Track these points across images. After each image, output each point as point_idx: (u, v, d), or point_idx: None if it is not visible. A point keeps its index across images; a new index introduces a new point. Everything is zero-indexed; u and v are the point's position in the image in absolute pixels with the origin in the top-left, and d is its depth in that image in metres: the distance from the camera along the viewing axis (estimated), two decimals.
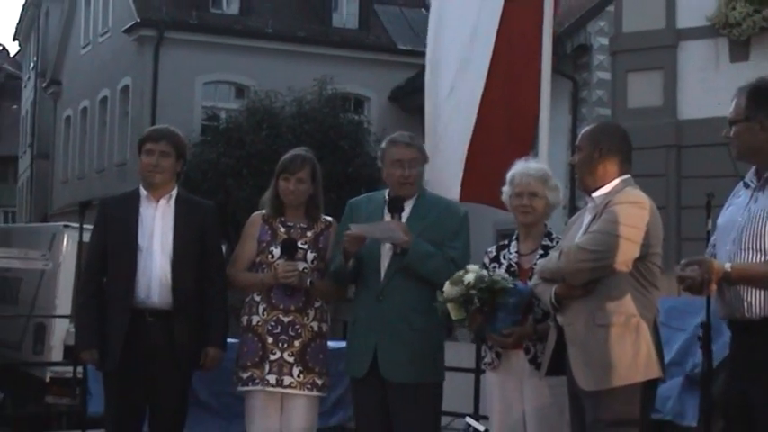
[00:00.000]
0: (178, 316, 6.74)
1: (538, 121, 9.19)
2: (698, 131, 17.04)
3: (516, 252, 6.52)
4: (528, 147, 9.10)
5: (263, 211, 6.91)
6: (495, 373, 6.48)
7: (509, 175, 6.55)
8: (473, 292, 6.09)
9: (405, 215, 6.61)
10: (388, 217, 6.61)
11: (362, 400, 6.69)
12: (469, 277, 6.12)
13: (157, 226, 6.80)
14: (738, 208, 5.43)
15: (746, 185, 5.48)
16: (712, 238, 5.63)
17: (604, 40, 21.55)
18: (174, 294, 6.74)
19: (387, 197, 6.74)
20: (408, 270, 6.49)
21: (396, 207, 6.59)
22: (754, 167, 5.47)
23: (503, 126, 9.08)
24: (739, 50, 17.50)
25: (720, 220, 5.55)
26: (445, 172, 8.66)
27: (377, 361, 6.53)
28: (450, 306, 6.16)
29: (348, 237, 6.50)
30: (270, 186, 6.92)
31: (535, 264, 6.20)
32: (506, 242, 6.65)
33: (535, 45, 9.44)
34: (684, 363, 8.32)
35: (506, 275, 6.31)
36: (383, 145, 6.83)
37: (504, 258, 6.55)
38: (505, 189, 6.55)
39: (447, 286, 6.16)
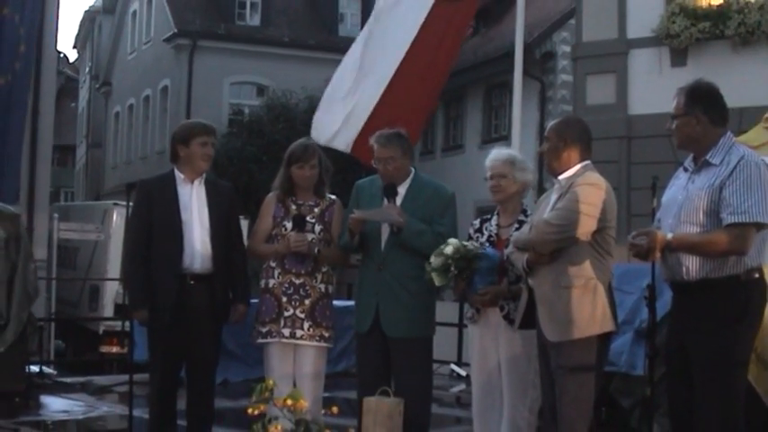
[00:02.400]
0: (216, 279, 6.73)
1: (428, 114, 9.34)
2: (645, 125, 17.06)
3: (496, 225, 6.51)
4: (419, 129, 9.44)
5: (278, 192, 6.88)
6: (475, 327, 6.48)
7: (486, 162, 6.54)
8: (450, 261, 6.11)
9: (399, 198, 6.57)
10: (385, 201, 6.57)
11: (365, 352, 6.67)
12: (448, 250, 6.13)
13: (194, 203, 6.78)
14: (678, 188, 5.45)
15: (685, 169, 5.50)
16: (658, 214, 5.64)
17: (567, 48, 21.57)
18: (212, 261, 6.72)
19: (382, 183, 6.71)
20: (404, 245, 6.48)
21: (390, 193, 6.56)
22: (692, 155, 5.47)
23: (403, 104, 9.16)
24: (679, 57, 17.54)
25: (664, 199, 5.57)
26: (345, 127, 9.07)
27: (379, 320, 6.52)
28: (433, 275, 6.18)
29: (351, 220, 6.49)
30: (280, 172, 6.88)
31: (511, 235, 6.19)
32: (489, 216, 6.63)
33: (452, 45, 9.47)
34: (634, 320, 8.33)
35: (477, 244, 6.32)
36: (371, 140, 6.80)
37: (485, 230, 6.54)
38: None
39: (432, 258, 6.18)
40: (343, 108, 9.24)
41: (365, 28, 9.85)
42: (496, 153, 6.54)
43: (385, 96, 9.15)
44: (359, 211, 6.51)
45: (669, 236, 5.22)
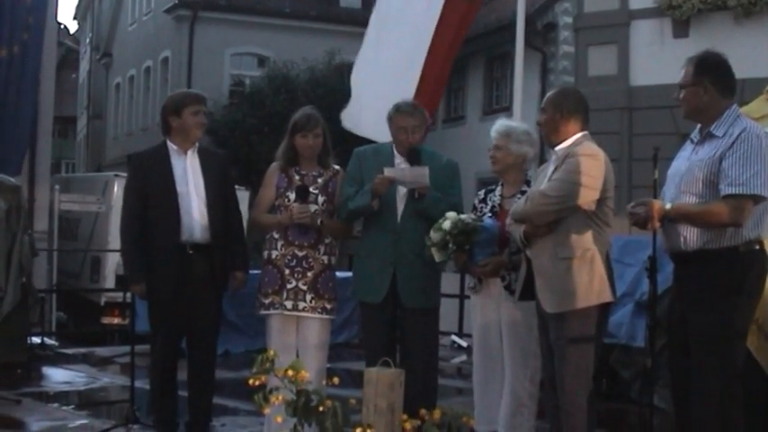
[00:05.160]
0: (214, 248, 6.73)
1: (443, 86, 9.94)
2: (646, 96, 17.08)
3: (500, 195, 6.52)
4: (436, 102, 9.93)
5: (280, 162, 6.86)
6: (477, 297, 6.49)
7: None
8: (448, 238, 6.10)
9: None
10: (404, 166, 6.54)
11: (374, 323, 6.64)
12: (446, 225, 6.13)
13: (190, 174, 6.78)
14: (683, 160, 5.48)
15: (691, 141, 5.51)
16: (663, 187, 5.63)
17: (569, 19, 21.46)
18: (210, 230, 6.73)
19: (394, 150, 6.67)
20: (422, 213, 6.45)
21: (415, 158, 6.51)
22: (698, 126, 5.48)
23: (432, 83, 9.50)
24: (681, 28, 17.50)
25: (669, 171, 5.58)
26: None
27: (395, 290, 6.50)
28: (433, 250, 6.18)
29: (380, 180, 6.42)
30: (283, 142, 6.86)
31: None
32: (493, 187, 6.64)
33: (459, 33, 9.66)
34: (634, 293, 8.36)
35: (475, 216, 6.32)
36: (390, 110, 6.76)
37: (489, 200, 6.55)
38: None
39: (431, 232, 6.17)
40: (379, 100, 9.36)
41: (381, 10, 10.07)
42: (497, 124, 6.54)
43: (420, 84, 9.41)
44: (389, 170, 6.46)
45: (668, 205, 5.24)
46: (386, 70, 9.58)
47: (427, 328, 6.60)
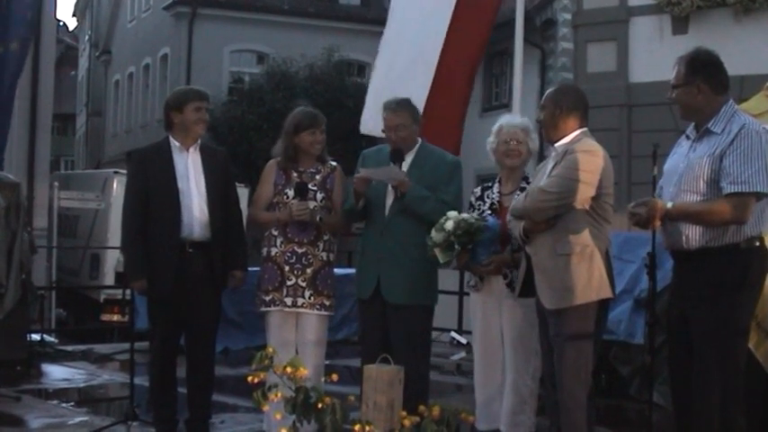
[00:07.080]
0: (214, 246, 6.73)
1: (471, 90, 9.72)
2: (646, 93, 17.08)
3: (498, 192, 6.50)
4: (464, 106, 9.68)
5: (279, 159, 6.85)
6: (478, 294, 6.48)
7: (496, 127, 6.52)
8: (452, 238, 6.09)
9: (406, 164, 6.54)
10: (391, 165, 6.55)
11: (366, 319, 6.65)
12: (449, 225, 6.11)
13: (191, 171, 6.78)
14: (680, 156, 5.45)
15: (687, 137, 5.50)
16: (660, 182, 5.62)
17: (568, 16, 21.46)
18: (210, 228, 6.72)
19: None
20: (406, 211, 6.45)
21: (396, 158, 6.53)
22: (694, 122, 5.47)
23: (452, 88, 9.46)
24: (680, 25, 17.51)
25: (666, 167, 5.57)
26: None
27: (380, 286, 6.51)
28: (436, 251, 6.15)
29: (356, 179, 6.46)
30: (281, 140, 6.84)
31: None
32: (490, 184, 6.63)
33: (482, 33, 9.63)
34: (634, 289, 8.35)
35: (477, 216, 6.30)
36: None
37: (487, 198, 6.53)
38: (491, 139, 6.51)
39: (433, 233, 6.15)
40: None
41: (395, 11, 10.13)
42: (512, 119, 6.55)
43: (433, 86, 9.39)
44: (364, 170, 6.49)
45: (669, 204, 5.23)
46: (399, 74, 9.59)
47: (412, 326, 6.50)
